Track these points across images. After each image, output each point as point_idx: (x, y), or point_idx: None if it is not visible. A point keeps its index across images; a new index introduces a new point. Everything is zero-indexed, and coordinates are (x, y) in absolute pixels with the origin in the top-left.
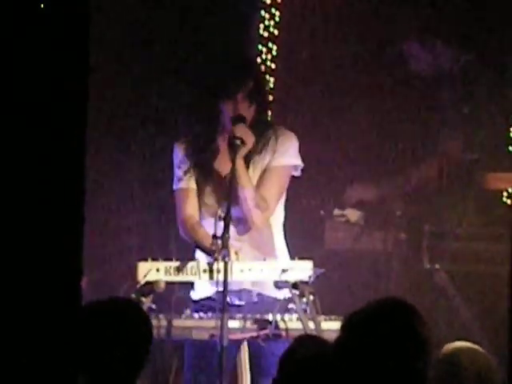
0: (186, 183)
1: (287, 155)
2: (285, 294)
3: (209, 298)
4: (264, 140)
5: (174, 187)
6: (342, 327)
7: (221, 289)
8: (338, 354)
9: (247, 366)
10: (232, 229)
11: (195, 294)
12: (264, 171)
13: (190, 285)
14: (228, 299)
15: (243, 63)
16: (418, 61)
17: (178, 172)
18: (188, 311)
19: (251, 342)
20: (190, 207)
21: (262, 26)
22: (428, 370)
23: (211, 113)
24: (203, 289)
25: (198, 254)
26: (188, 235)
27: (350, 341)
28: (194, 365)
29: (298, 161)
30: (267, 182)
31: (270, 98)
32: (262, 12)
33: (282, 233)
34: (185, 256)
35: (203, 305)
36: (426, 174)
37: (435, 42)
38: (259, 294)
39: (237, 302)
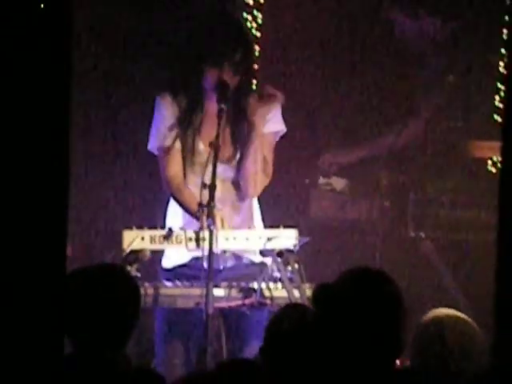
0: (171, 141)
1: (276, 121)
2: (260, 258)
3: (184, 266)
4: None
5: (160, 144)
6: (313, 301)
7: (197, 255)
8: (315, 327)
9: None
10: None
11: (168, 262)
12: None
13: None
14: (205, 265)
15: (235, 33)
16: (402, 28)
17: (163, 128)
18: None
19: (236, 310)
20: (176, 166)
21: None
22: (403, 333)
23: (198, 76)
24: (177, 256)
25: (169, 219)
26: (173, 194)
27: (322, 312)
28: (168, 331)
29: (283, 126)
30: (264, 150)
31: (255, 67)
32: None
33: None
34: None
35: (178, 272)
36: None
37: (418, 10)
38: (236, 257)
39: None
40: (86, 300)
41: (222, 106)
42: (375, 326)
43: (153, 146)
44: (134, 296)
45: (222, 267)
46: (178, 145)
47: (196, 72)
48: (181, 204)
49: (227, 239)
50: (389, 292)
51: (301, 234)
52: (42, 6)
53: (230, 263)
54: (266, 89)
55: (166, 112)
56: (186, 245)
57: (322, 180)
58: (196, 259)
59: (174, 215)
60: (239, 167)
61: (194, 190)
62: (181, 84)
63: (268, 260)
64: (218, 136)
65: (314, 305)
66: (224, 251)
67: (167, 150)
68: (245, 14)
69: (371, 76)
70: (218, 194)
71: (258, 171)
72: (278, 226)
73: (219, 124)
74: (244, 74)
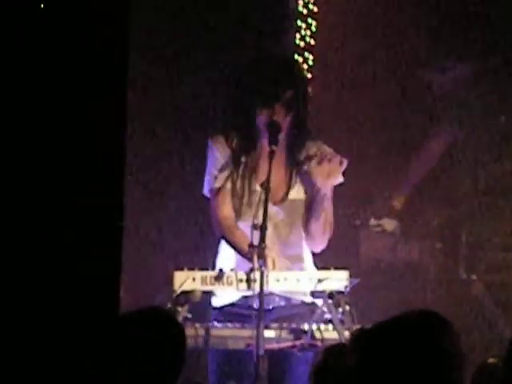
0: (221, 182)
1: (338, 175)
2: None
3: (232, 305)
4: (307, 155)
5: (211, 186)
6: (352, 346)
7: (247, 294)
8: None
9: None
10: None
11: (218, 301)
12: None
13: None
14: (254, 304)
15: (283, 73)
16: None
17: (214, 171)
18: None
19: (286, 352)
20: (227, 208)
21: (298, 35)
22: None
23: (251, 116)
24: (227, 295)
25: (220, 261)
26: (224, 236)
27: (361, 357)
28: (221, 373)
29: (342, 177)
30: (328, 207)
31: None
32: (298, 22)
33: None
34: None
35: (227, 311)
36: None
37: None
38: (286, 298)
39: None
40: (130, 347)
41: (274, 147)
42: (429, 374)
43: (206, 190)
44: (179, 340)
45: (271, 307)
46: (228, 185)
47: (249, 112)
48: (232, 245)
49: (278, 280)
50: (449, 341)
51: (351, 275)
52: (42, 6)
53: (279, 303)
54: (324, 147)
55: (218, 154)
56: (237, 286)
57: (372, 221)
58: (245, 298)
59: (226, 257)
60: (308, 226)
61: (250, 231)
62: (233, 124)
63: (319, 301)
64: (268, 177)
65: (354, 350)
66: (271, 293)
67: (217, 192)
68: (296, 56)
69: (418, 119)
70: (269, 234)
71: (327, 227)
72: (328, 268)
73: (270, 165)
74: (297, 113)
